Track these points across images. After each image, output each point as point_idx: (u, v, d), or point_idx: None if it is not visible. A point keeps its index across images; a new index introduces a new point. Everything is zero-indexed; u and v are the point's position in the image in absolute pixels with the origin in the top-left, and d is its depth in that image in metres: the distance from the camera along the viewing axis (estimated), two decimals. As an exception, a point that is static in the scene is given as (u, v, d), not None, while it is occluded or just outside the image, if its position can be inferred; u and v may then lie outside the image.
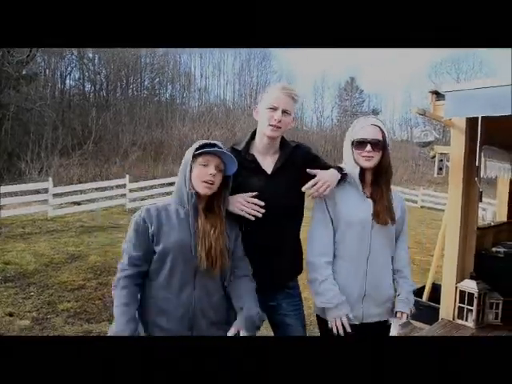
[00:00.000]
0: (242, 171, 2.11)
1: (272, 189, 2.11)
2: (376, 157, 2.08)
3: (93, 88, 27.17)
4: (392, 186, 2.22)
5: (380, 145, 2.07)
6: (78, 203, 12.14)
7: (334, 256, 2.14)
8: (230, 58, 36.08)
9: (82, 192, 12.68)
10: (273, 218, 2.09)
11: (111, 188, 13.21)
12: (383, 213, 2.09)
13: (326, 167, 2.20)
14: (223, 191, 1.94)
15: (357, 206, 2.11)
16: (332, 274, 2.10)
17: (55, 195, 11.08)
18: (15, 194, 11.73)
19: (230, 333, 1.83)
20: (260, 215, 2.01)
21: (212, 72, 35.45)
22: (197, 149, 1.87)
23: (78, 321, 4.94)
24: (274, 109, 2.08)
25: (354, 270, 2.12)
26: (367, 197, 2.13)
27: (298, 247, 2.30)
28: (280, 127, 2.10)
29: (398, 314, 2.14)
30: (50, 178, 11.19)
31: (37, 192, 11.04)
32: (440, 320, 4.04)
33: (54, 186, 11.21)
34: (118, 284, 1.86)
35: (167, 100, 30.45)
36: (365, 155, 2.07)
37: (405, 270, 2.23)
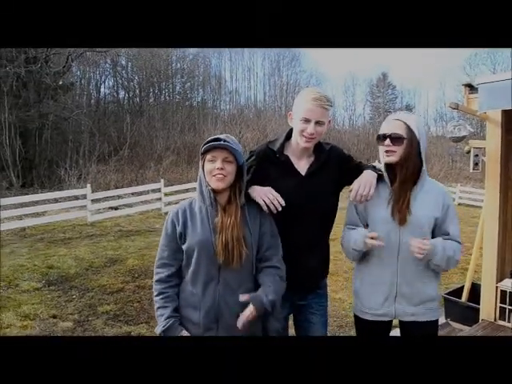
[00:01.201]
0: (275, 171, 2.18)
1: (306, 190, 2.14)
2: (398, 152, 2.04)
3: (126, 95, 27.85)
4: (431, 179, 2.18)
5: (401, 140, 2.04)
6: (116, 208, 12.45)
7: (365, 253, 2.14)
8: (259, 60, 36.17)
9: (119, 197, 13.01)
10: (306, 219, 2.15)
11: (147, 192, 13.46)
12: (396, 212, 2.06)
13: (359, 166, 2.24)
14: (238, 181, 1.99)
15: (383, 203, 2.10)
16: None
17: (93, 201, 11.38)
18: (55, 200, 12.15)
19: (243, 298, 1.91)
20: (278, 209, 2.02)
21: (242, 74, 35.68)
22: (202, 146, 1.94)
23: (118, 323, 5.09)
24: (307, 121, 2.08)
25: (382, 269, 2.11)
26: None
27: (327, 248, 2.34)
28: (314, 138, 2.12)
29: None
30: (88, 185, 11.52)
31: (76, 198, 11.40)
32: (480, 321, 3.93)
33: (92, 191, 11.53)
34: (153, 288, 1.98)
35: (199, 104, 30.84)
36: (385, 150, 2.06)
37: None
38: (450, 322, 4.70)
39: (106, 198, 12.22)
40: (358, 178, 2.08)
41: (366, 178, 2.07)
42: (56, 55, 19.18)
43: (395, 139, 2.03)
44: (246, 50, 32.83)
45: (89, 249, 8.49)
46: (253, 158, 2.24)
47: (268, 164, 2.19)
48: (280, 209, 2.02)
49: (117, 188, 14.74)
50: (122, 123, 23.11)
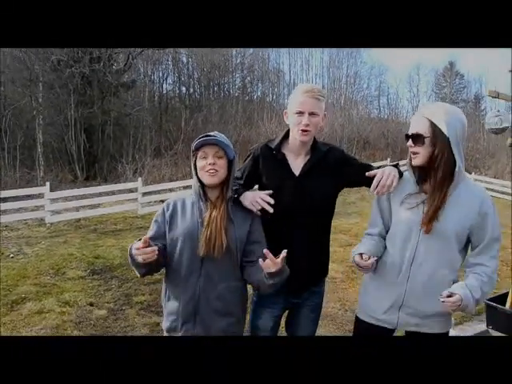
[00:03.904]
0: (271, 170, 2.20)
1: (299, 190, 2.14)
2: (422, 152, 1.85)
3: (187, 91, 28.59)
4: (472, 177, 2.06)
5: (421, 139, 1.84)
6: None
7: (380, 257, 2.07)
8: (318, 51, 35.58)
9: (170, 190, 13.38)
10: (299, 219, 2.15)
11: (198, 186, 13.70)
12: (426, 219, 1.86)
13: (363, 166, 2.20)
14: (228, 176, 2.03)
15: (410, 204, 1.94)
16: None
17: (145, 194, 11.79)
18: (112, 193, 12.73)
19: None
20: (269, 212, 2.03)
21: (301, 66, 35.43)
22: (193, 144, 1.99)
23: (149, 313, 5.27)
24: (301, 113, 2.09)
25: (393, 274, 2.00)
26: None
27: (324, 249, 2.31)
28: (310, 130, 2.11)
29: (444, 293, 1.78)
30: (140, 178, 11.99)
31: (130, 191, 11.88)
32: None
33: (145, 185, 11.94)
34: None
35: (258, 98, 31.05)
36: (410, 151, 1.90)
37: (483, 272, 1.89)
38: (491, 331, 4.39)
39: (157, 191, 12.57)
40: (380, 170, 1.99)
41: (390, 170, 1.97)
42: (118, 54, 20.09)
43: (416, 139, 1.86)
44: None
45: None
46: (251, 156, 2.27)
47: (265, 162, 2.21)
48: (272, 211, 2.03)
49: (171, 181, 15.15)
50: (180, 118, 23.77)
